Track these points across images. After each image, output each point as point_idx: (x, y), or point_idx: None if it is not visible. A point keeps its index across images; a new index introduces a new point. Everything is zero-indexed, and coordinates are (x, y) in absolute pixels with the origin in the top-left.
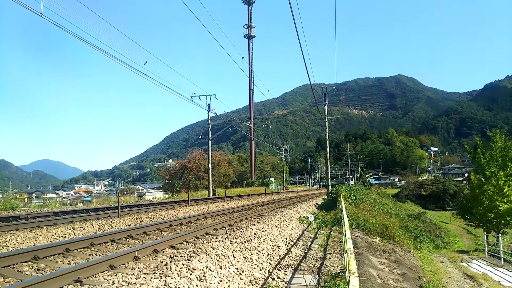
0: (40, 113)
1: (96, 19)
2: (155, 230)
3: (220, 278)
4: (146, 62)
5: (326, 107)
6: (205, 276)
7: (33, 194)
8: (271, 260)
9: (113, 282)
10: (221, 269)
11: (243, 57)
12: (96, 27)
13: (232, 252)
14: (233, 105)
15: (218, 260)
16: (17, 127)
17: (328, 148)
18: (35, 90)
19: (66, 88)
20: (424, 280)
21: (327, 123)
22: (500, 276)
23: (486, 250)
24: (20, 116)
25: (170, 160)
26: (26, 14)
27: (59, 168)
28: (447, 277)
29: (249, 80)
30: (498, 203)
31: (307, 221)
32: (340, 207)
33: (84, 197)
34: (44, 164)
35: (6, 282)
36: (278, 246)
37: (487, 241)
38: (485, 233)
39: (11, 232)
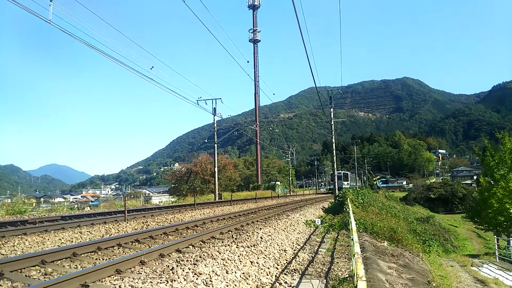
0: (48, 118)
1: (102, 24)
2: (161, 234)
3: (227, 282)
4: (153, 67)
5: (332, 110)
6: (211, 281)
7: (41, 199)
8: (278, 265)
9: (120, 287)
10: (227, 273)
11: (248, 61)
12: (103, 32)
13: (239, 256)
14: (238, 109)
15: (224, 265)
16: (25, 133)
17: (334, 151)
18: (44, 95)
19: (73, 94)
20: (434, 284)
21: (333, 126)
22: None
23: (497, 254)
24: (29, 121)
25: (176, 164)
26: (37, 22)
27: (66, 173)
28: (457, 281)
29: (255, 83)
30: (508, 206)
31: (314, 225)
32: (347, 210)
33: (91, 201)
34: (52, 169)
35: (14, 287)
36: (285, 250)
37: (497, 245)
38: (495, 236)
39: (19, 236)
